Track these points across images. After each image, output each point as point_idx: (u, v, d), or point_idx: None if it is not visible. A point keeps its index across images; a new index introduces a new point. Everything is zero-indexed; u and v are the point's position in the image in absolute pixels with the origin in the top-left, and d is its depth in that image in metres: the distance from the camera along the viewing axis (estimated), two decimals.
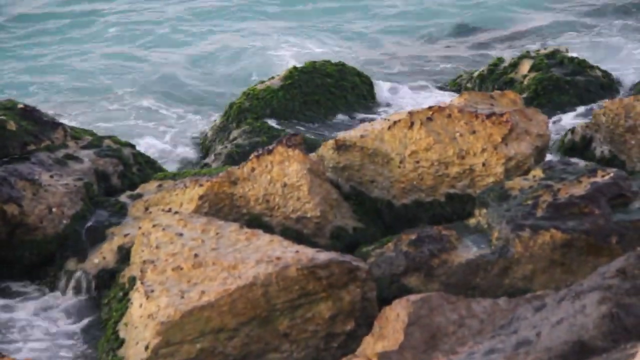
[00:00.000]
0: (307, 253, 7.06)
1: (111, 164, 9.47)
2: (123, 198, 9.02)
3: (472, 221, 8.05)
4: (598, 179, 7.82)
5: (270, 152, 8.49)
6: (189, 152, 11.22)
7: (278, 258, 6.96)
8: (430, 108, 8.95)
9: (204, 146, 11.24)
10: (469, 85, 12.39)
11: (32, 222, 8.46)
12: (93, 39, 15.18)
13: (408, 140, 8.78)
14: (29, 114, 9.62)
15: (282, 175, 8.38)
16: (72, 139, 9.62)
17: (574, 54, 12.50)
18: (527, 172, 8.46)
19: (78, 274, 8.34)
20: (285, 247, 7.15)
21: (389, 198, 8.82)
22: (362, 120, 10.86)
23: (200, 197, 8.32)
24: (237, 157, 10.30)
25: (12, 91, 12.63)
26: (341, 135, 9.07)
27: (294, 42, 14.78)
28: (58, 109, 11.93)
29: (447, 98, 11.90)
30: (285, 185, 8.37)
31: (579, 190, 7.72)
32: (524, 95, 11.43)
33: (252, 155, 8.60)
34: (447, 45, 14.82)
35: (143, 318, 6.97)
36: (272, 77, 11.89)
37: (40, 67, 14.03)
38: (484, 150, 8.67)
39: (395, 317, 6.36)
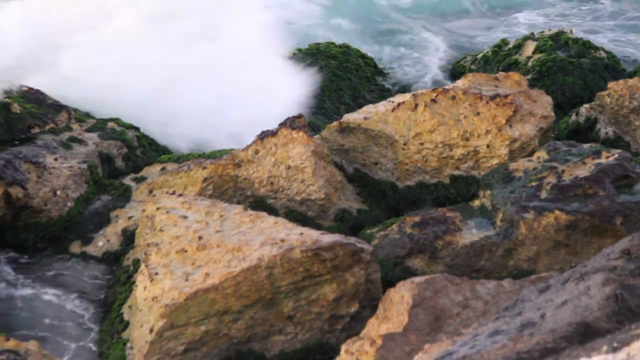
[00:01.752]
0: (311, 235, 7.06)
1: (115, 147, 9.48)
2: (127, 181, 9.04)
3: (476, 203, 8.05)
4: (602, 160, 7.81)
5: (274, 134, 8.49)
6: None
7: (282, 240, 6.96)
8: (434, 90, 8.95)
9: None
10: (473, 67, 12.36)
11: (37, 205, 8.46)
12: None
13: (412, 122, 8.78)
14: (33, 96, 9.63)
15: (286, 157, 8.38)
16: (76, 121, 9.63)
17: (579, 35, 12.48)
18: (531, 153, 8.45)
19: (82, 256, 8.35)
20: (290, 230, 7.15)
21: (393, 180, 8.83)
22: (366, 102, 10.84)
23: (204, 180, 8.33)
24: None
25: None
26: (345, 117, 9.06)
27: (297, 25, 14.72)
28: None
29: (451, 80, 11.89)
30: (289, 167, 8.36)
31: (584, 171, 7.71)
32: (528, 76, 11.41)
33: (256, 137, 8.60)
34: (451, 27, 14.79)
35: (147, 301, 6.98)
36: None
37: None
38: (488, 131, 8.67)
39: (400, 299, 6.36)
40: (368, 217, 8.52)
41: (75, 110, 9.96)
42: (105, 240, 8.39)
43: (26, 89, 9.67)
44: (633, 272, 4.67)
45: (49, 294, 8.01)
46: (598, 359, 3.68)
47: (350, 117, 9.01)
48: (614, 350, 3.69)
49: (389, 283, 7.01)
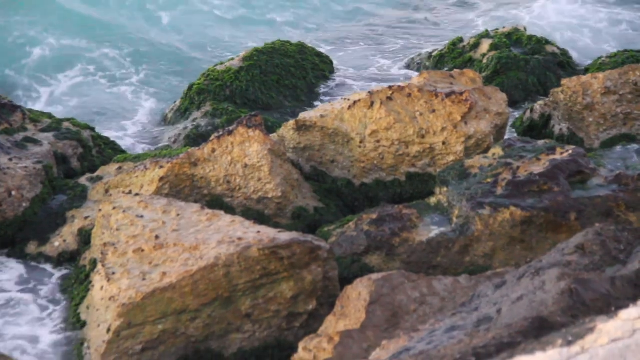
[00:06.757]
0: (268, 233, 7.06)
1: (71, 147, 9.42)
2: (83, 181, 8.98)
3: (432, 200, 8.08)
4: (557, 157, 7.88)
5: (230, 133, 8.48)
6: (149, 134, 11.17)
7: (240, 239, 6.96)
8: (390, 87, 8.97)
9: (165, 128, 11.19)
10: (427, 64, 12.42)
11: None
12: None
13: (368, 119, 8.80)
14: None
15: (242, 156, 8.37)
16: (31, 121, 9.56)
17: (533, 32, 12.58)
18: (486, 150, 8.51)
19: (39, 257, 8.30)
20: (247, 228, 7.15)
21: (349, 178, 8.85)
22: (323, 100, 10.86)
23: (161, 179, 8.30)
24: (197, 138, 10.29)
25: None
26: (301, 115, 9.07)
27: (252, 26, 14.72)
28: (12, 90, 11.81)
29: (407, 77, 11.93)
30: (246, 166, 8.36)
31: (538, 167, 7.77)
32: (484, 74, 11.48)
33: (212, 136, 8.59)
34: (408, 25, 14.83)
35: (104, 300, 6.95)
36: (232, 58, 11.86)
37: None
38: (444, 129, 8.71)
39: (357, 296, 6.38)
40: (325, 215, 8.53)
41: (30, 110, 9.89)
42: (62, 240, 8.34)
43: None
44: (587, 267, 4.72)
45: (4, 295, 7.96)
46: (553, 353, 3.71)
47: (306, 115, 9.02)
48: (569, 343, 3.73)
49: (346, 280, 7.03)
